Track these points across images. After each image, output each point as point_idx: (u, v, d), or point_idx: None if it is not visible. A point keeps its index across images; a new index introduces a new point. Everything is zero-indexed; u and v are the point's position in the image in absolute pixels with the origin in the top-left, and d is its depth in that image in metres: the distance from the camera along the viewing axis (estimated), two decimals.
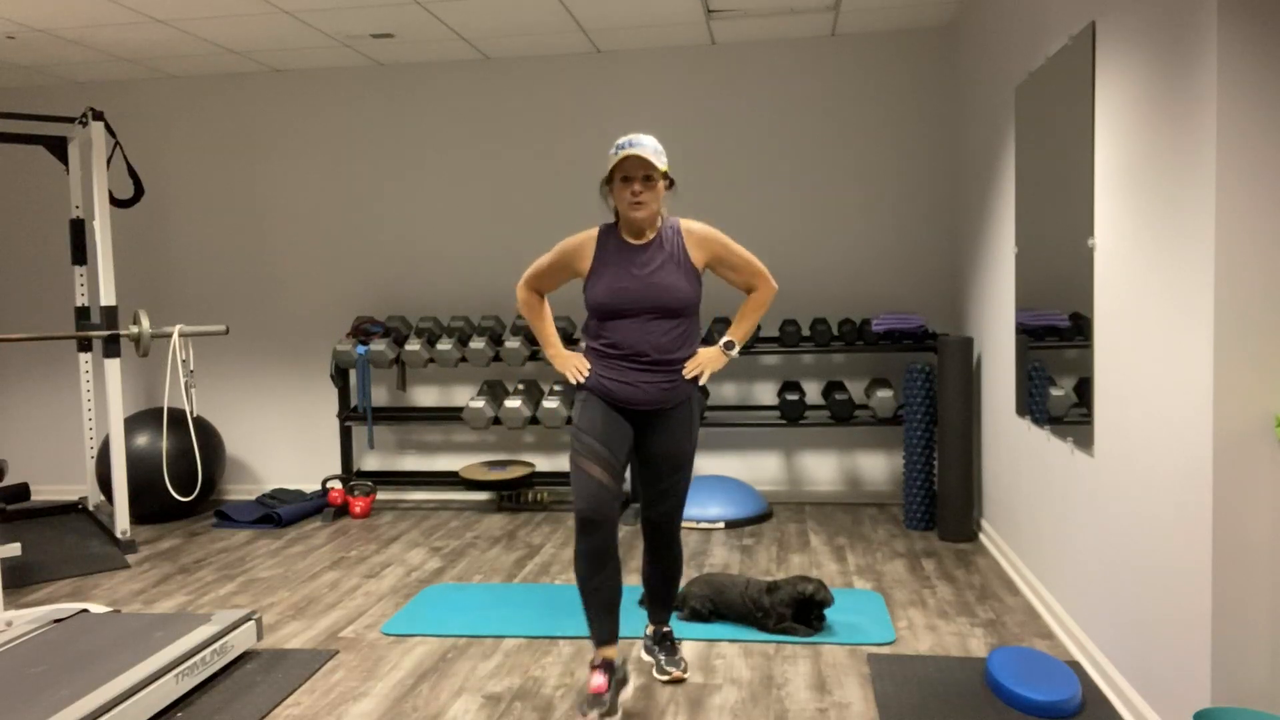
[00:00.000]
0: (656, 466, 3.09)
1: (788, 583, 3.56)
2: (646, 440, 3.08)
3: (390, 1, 4.69)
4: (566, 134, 5.84)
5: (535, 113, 5.86)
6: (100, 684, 2.90)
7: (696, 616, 3.68)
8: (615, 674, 2.99)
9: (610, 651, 3.00)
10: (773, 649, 3.45)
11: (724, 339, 3.14)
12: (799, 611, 3.55)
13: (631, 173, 2.94)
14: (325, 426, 6.19)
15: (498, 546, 4.92)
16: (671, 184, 3.08)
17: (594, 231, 3.12)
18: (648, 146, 2.93)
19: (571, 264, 3.11)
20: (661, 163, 2.96)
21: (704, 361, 3.07)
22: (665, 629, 3.30)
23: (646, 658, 3.33)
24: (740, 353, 5.40)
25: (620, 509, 3.04)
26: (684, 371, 3.04)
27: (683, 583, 3.91)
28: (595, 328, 3.07)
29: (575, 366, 3.09)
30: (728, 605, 3.65)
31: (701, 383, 3.09)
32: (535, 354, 5.52)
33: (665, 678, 3.20)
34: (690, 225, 3.11)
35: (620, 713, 2.96)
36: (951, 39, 5.48)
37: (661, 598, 3.28)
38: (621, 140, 2.96)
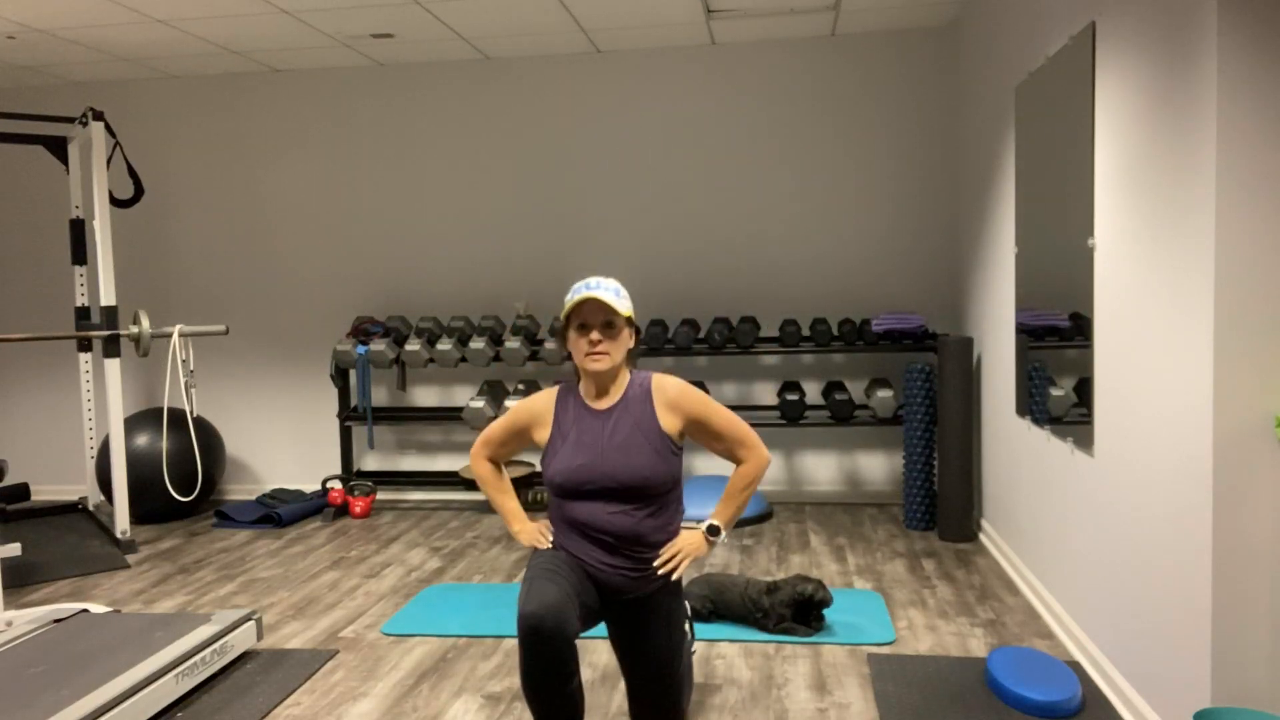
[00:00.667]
0: (637, 670, 2.66)
1: (787, 583, 3.56)
2: (621, 633, 2.66)
3: (390, 1, 4.69)
4: (566, 134, 5.84)
5: (535, 113, 5.86)
6: (100, 684, 2.90)
7: (695, 616, 3.68)
8: None
9: None
10: (773, 649, 3.45)
11: (707, 523, 2.69)
12: (799, 612, 3.55)
13: (589, 320, 2.57)
14: (325, 426, 6.19)
15: (498, 546, 4.93)
16: (638, 333, 2.74)
17: (552, 394, 2.73)
18: (608, 289, 2.58)
19: (527, 430, 2.73)
20: (624, 307, 2.60)
21: (683, 549, 2.62)
22: None
23: None
24: (740, 354, 5.40)
25: (575, 614, 2.47)
26: (657, 563, 2.59)
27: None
28: (556, 505, 2.66)
29: (541, 533, 2.68)
30: (727, 606, 3.65)
31: (675, 577, 2.63)
32: (535, 354, 5.52)
33: None
34: (663, 383, 2.66)
35: None
36: (951, 39, 5.48)
37: None
38: (577, 284, 2.61)
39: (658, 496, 2.60)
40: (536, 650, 2.36)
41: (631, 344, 2.67)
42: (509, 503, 2.81)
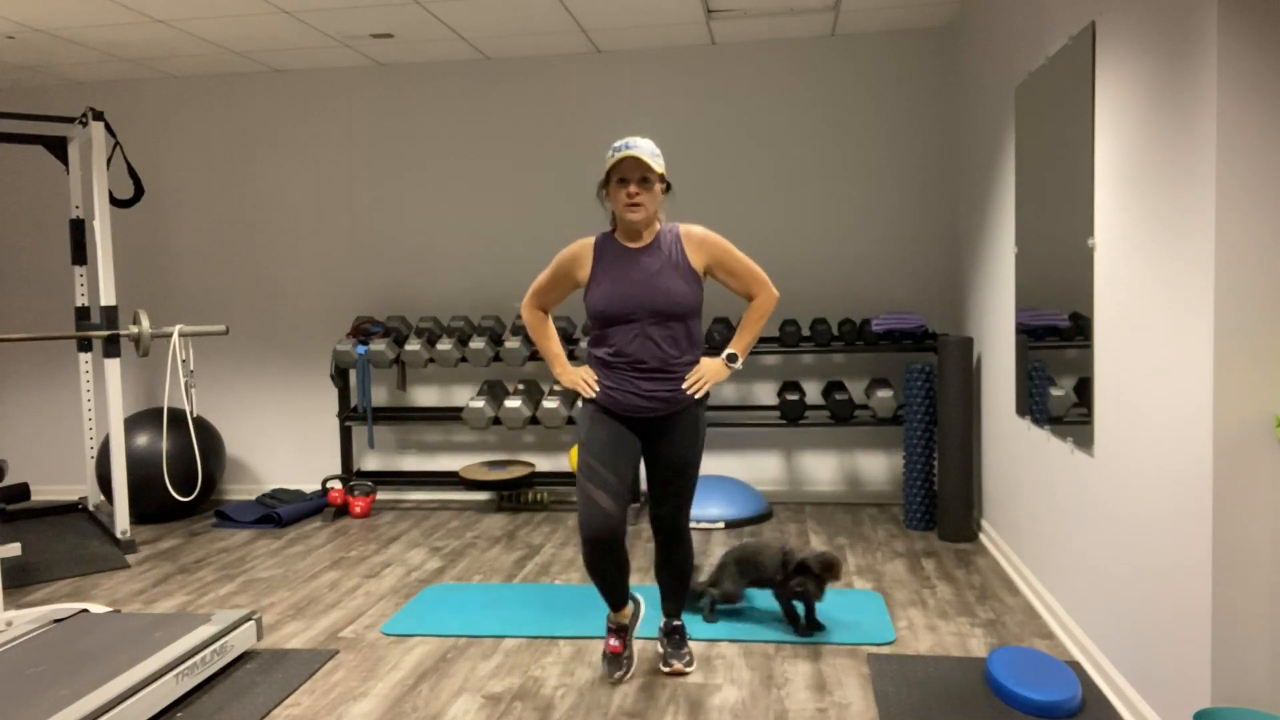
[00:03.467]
0: (663, 471, 3.11)
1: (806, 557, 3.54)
2: (653, 446, 3.10)
3: (390, 1, 4.69)
4: (566, 134, 5.84)
5: (535, 113, 5.86)
6: (100, 684, 2.90)
7: (726, 600, 3.67)
8: (628, 633, 3.28)
9: (622, 616, 3.25)
10: (773, 649, 3.45)
11: (726, 351, 3.13)
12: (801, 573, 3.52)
13: (628, 174, 2.94)
14: (325, 426, 6.19)
15: (498, 546, 4.93)
16: (669, 188, 3.08)
17: (590, 240, 3.12)
18: (644, 148, 2.93)
19: (571, 273, 3.12)
20: (658, 165, 2.96)
21: (705, 373, 3.06)
22: (676, 622, 3.32)
23: (659, 649, 3.35)
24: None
25: (626, 517, 3.05)
26: (684, 384, 3.03)
27: (704, 575, 3.94)
28: (597, 335, 3.07)
29: (583, 380, 3.08)
30: (759, 569, 3.62)
31: (698, 395, 3.06)
32: (535, 354, 5.52)
33: (667, 669, 3.24)
34: (690, 229, 3.09)
35: (633, 669, 3.25)
36: (951, 39, 5.48)
37: (672, 592, 3.29)
38: (618, 143, 2.96)
39: (686, 320, 3.02)
40: (596, 553, 3.02)
41: (663, 197, 3.06)
42: (554, 347, 3.23)
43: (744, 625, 3.65)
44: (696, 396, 3.06)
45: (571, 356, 5.47)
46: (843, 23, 5.32)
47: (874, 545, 4.77)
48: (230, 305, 6.23)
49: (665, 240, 3.06)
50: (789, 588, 3.53)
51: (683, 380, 3.03)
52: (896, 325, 5.27)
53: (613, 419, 3.07)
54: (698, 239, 3.07)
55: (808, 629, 3.56)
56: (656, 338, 2.99)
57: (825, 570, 3.48)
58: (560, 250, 3.23)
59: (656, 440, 3.09)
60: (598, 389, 3.06)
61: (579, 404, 3.12)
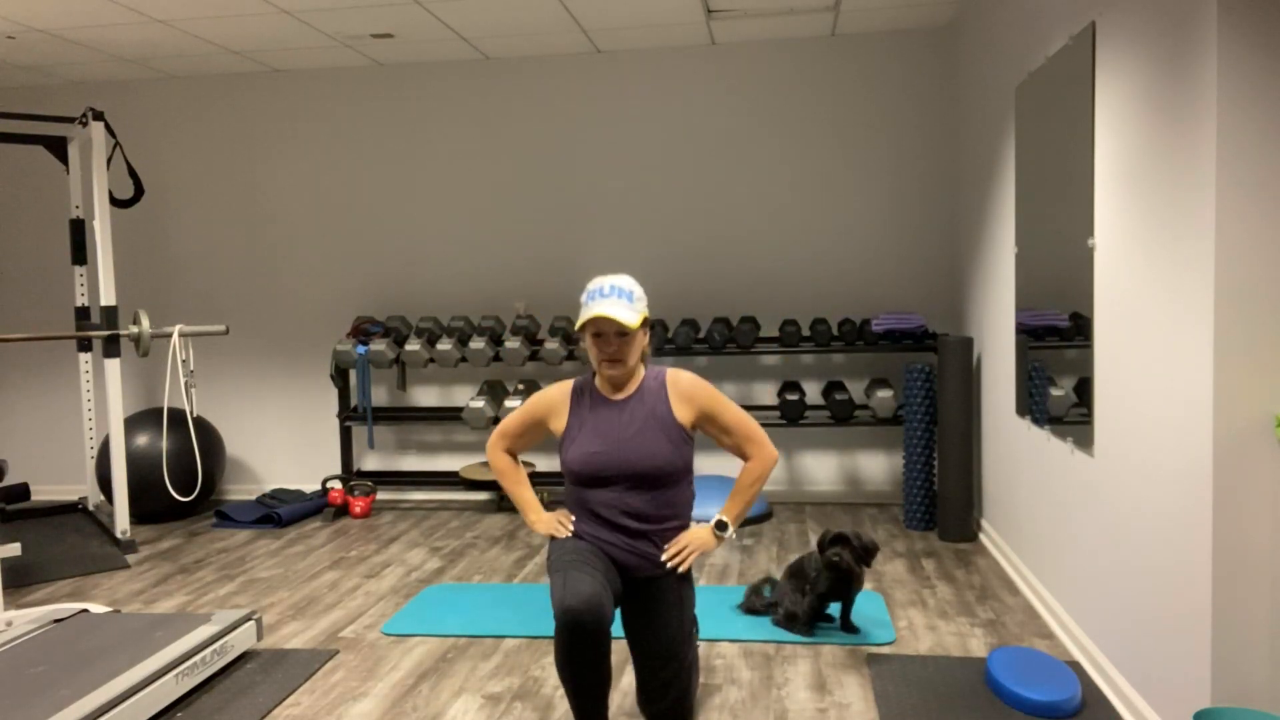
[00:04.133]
0: (650, 660, 2.71)
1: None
2: (635, 616, 2.73)
3: (390, 1, 4.69)
4: (566, 134, 5.84)
5: (535, 113, 5.86)
6: (100, 684, 2.90)
7: (789, 619, 3.58)
8: None
9: None
10: (773, 649, 3.45)
11: (715, 519, 2.78)
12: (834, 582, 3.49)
13: (603, 329, 2.65)
14: (325, 426, 6.19)
15: (498, 546, 4.93)
16: (653, 328, 2.79)
17: (568, 386, 2.83)
18: (621, 299, 2.63)
19: (544, 421, 2.83)
20: (638, 315, 2.66)
21: (691, 544, 2.72)
22: None
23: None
24: (740, 354, 5.40)
25: (610, 605, 2.56)
26: (665, 555, 2.69)
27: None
28: (573, 492, 2.77)
29: (559, 523, 2.77)
30: (804, 579, 3.58)
31: (683, 570, 2.71)
32: (535, 354, 5.52)
33: None
34: (677, 377, 2.77)
35: None
36: (951, 39, 5.48)
37: None
38: (592, 286, 2.67)
39: (672, 483, 2.70)
40: (576, 641, 2.46)
41: (646, 341, 2.76)
42: (525, 493, 2.89)
43: (744, 625, 3.65)
44: (680, 570, 2.71)
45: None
46: (843, 23, 5.32)
47: None
48: (230, 305, 6.23)
49: (649, 390, 2.74)
50: (826, 557, 3.41)
51: (670, 540, 2.72)
52: (896, 325, 5.27)
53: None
54: (685, 390, 2.73)
55: (843, 628, 3.53)
56: (635, 503, 2.67)
57: (863, 549, 3.42)
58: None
59: (636, 611, 2.71)
60: (573, 529, 2.76)
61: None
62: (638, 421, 2.69)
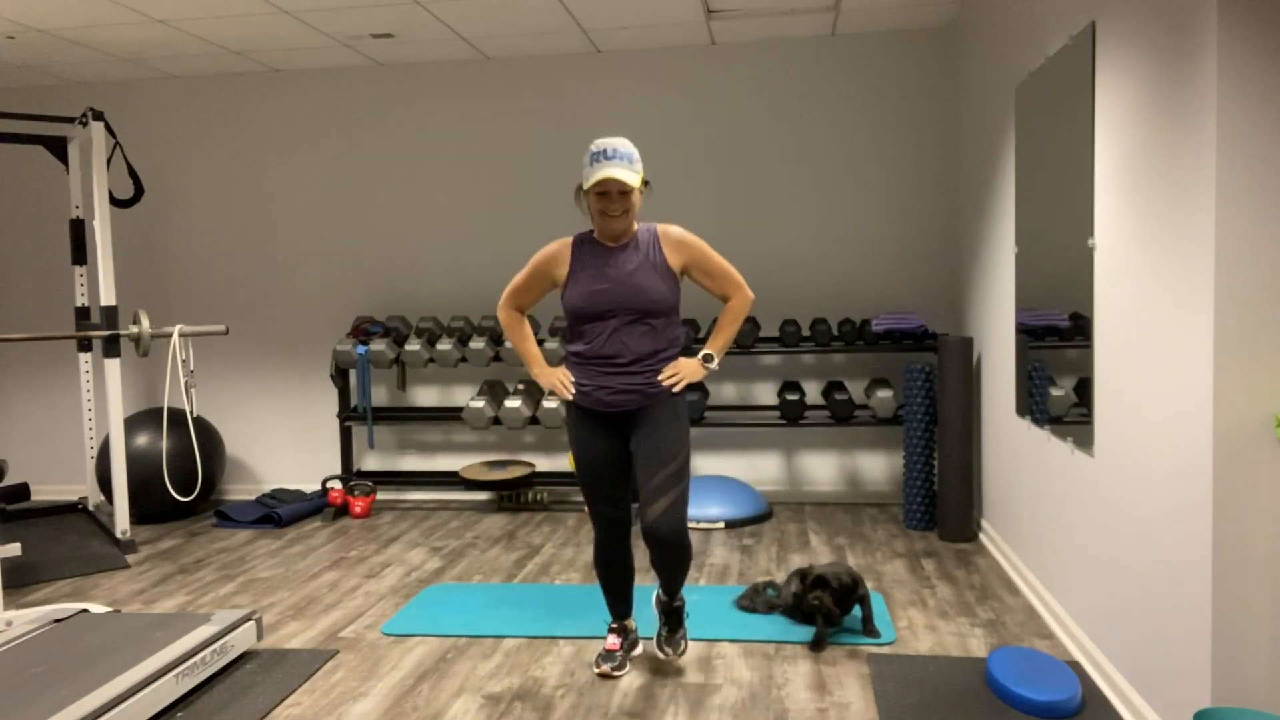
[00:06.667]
0: (647, 463, 3.06)
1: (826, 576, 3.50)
2: (634, 438, 3.10)
3: (390, 1, 4.69)
4: (566, 134, 5.84)
5: (535, 113, 5.86)
6: (100, 684, 2.90)
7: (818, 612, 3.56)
8: (627, 636, 3.34)
9: (623, 621, 3.35)
10: (773, 649, 3.45)
11: (702, 351, 3.16)
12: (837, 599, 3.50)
13: (608, 189, 2.94)
14: (325, 426, 6.19)
15: (498, 546, 4.93)
16: (646, 184, 3.06)
17: (568, 240, 3.13)
18: (623, 160, 2.92)
19: (549, 272, 3.14)
20: (638, 175, 2.96)
21: (682, 370, 3.08)
22: (675, 603, 3.26)
23: (657, 631, 3.34)
24: (740, 354, 5.40)
25: (630, 516, 3.23)
26: (660, 377, 3.06)
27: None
28: (573, 333, 3.11)
29: (560, 382, 3.12)
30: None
31: (676, 390, 3.07)
32: None
33: (661, 655, 3.27)
34: (667, 229, 3.10)
35: (629, 668, 3.28)
36: (951, 39, 5.48)
37: (665, 584, 3.22)
38: (595, 149, 2.94)
39: (663, 318, 3.05)
40: (604, 541, 3.21)
41: (642, 195, 3.04)
42: (530, 347, 3.22)
43: (744, 625, 3.65)
44: (674, 390, 3.07)
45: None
46: (843, 23, 5.32)
47: (874, 545, 4.77)
48: (230, 305, 6.23)
49: (643, 240, 3.07)
50: (808, 601, 3.47)
51: (658, 374, 3.06)
52: (896, 325, 5.27)
53: (593, 422, 3.12)
54: (675, 239, 3.08)
55: (865, 632, 3.52)
56: (633, 334, 3.02)
57: (843, 590, 3.45)
58: (537, 253, 3.18)
59: (636, 430, 3.09)
60: (574, 391, 3.10)
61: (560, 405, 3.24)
62: (633, 264, 3.02)
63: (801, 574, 3.61)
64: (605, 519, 3.17)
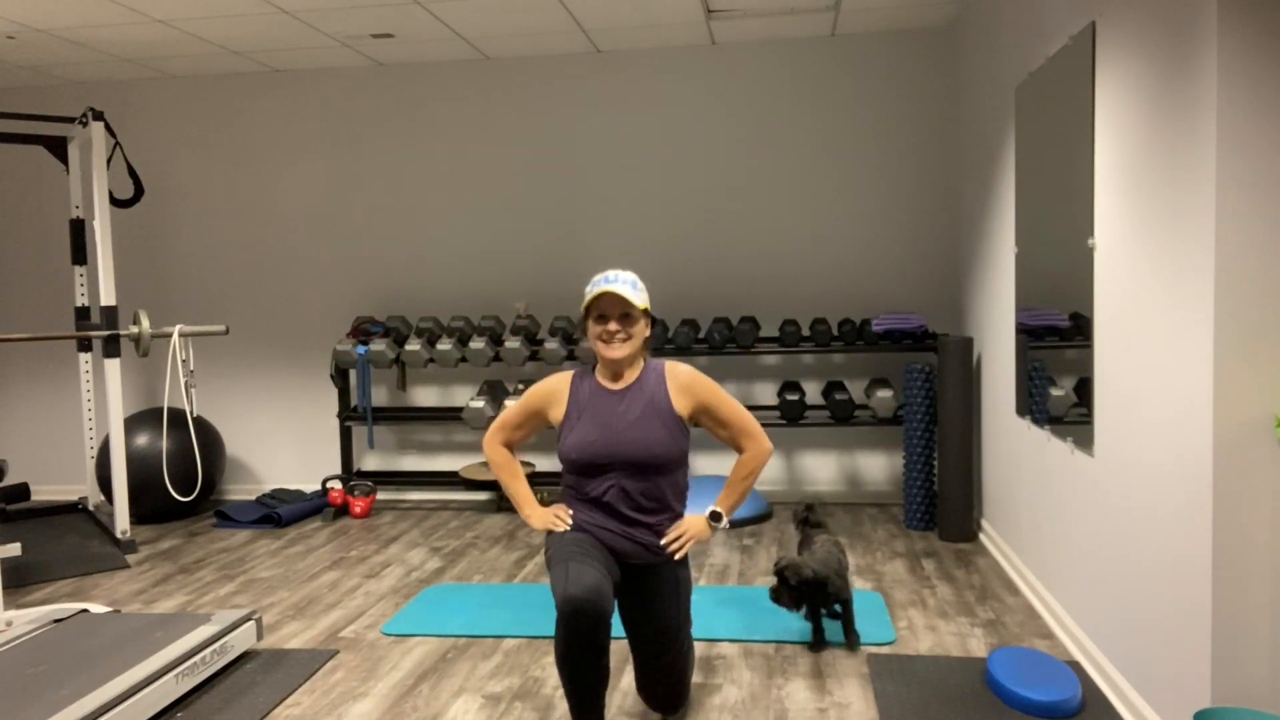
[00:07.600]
0: (648, 641, 2.77)
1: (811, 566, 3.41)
2: (630, 603, 2.78)
3: (390, 1, 4.69)
4: (566, 134, 5.84)
5: (535, 113, 5.86)
6: (100, 684, 2.90)
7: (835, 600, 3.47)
8: None
9: None
10: (773, 649, 3.45)
11: (710, 509, 2.87)
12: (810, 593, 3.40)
13: (608, 311, 2.70)
14: (325, 426, 6.19)
15: (498, 546, 4.93)
16: (653, 322, 2.82)
17: (568, 376, 2.85)
18: (625, 282, 2.70)
19: (543, 412, 2.84)
20: (641, 300, 2.72)
21: (687, 530, 2.78)
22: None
23: None
24: (740, 354, 5.40)
25: (611, 596, 2.58)
26: (664, 540, 2.75)
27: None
28: (571, 480, 2.79)
29: (556, 516, 2.78)
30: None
31: (678, 555, 2.77)
32: (535, 354, 5.52)
33: None
34: (675, 369, 2.80)
35: None
36: (951, 39, 5.48)
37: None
38: (597, 277, 2.74)
39: (668, 471, 2.74)
40: (578, 630, 2.47)
41: (648, 333, 2.80)
42: (522, 488, 2.90)
43: (744, 625, 3.65)
44: (676, 557, 2.76)
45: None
46: (843, 23, 5.32)
47: (874, 545, 4.77)
48: (230, 305, 6.23)
49: (649, 381, 2.78)
50: (769, 591, 3.33)
51: (660, 534, 2.75)
52: (896, 325, 5.27)
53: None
54: (684, 381, 2.77)
55: (846, 639, 3.45)
56: (633, 492, 2.71)
57: (802, 586, 3.29)
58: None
59: (632, 595, 2.76)
60: (571, 522, 2.77)
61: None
62: (636, 410, 2.73)
63: (776, 563, 3.46)
64: (578, 600, 2.44)
